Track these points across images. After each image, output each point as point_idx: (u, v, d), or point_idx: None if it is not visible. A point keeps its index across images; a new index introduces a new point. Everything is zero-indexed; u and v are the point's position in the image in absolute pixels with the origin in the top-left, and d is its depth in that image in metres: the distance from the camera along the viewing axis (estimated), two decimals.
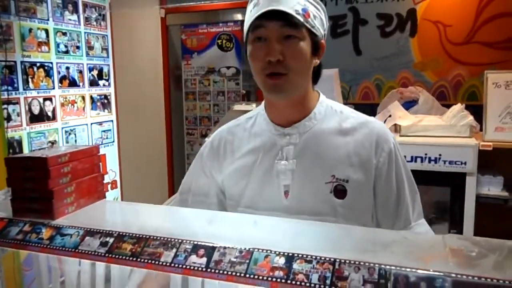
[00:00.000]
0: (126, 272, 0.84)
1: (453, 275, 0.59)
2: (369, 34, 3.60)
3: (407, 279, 0.60)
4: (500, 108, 2.23)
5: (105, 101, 3.33)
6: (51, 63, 2.83)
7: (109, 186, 3.36)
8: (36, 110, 2.71)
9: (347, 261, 0.64)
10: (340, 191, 1.02)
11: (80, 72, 3.08)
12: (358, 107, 1.39)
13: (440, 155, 2.13)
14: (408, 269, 0.61)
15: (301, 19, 0.98)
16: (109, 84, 3.37)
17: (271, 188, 1.07)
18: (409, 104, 2.79)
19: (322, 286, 0.62)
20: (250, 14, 1.02)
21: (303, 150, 1.06)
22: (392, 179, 1.06)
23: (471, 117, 2.30)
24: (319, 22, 1.04)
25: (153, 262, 0.72)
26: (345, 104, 1.23)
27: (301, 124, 1.07)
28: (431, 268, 0.61)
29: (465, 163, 2.09)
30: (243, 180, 1.10)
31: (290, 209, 1.04)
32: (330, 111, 1.10)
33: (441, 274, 0.59)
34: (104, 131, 3.33)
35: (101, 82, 3.29)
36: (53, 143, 2.81)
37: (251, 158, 1.10)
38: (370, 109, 2.38)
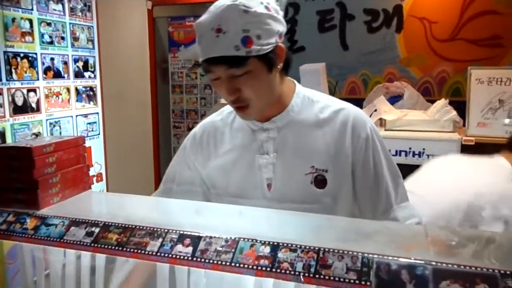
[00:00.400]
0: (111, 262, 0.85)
1: (434, 263, 0.60)
2: (356, 30, 3.63)
3: (389, 267, 0.61)
4: (482, 104, 2.27)
5: (91, 93, 3.29)
6: (35, 53, 2.78)
7: (94, 179, 3.33)
8: (19, 102, 2.67)
9: (331, 250, 0.65)
10: (320, 181, 1.04)
11: (65, 63, 3.03)
12: None
13: (424, 149, 2.17)
14: (390, 258, 0.62)
15: (244, 53, 0.92)
16: (94, 76, 3.33)
17: (254, 182, 1.08)
18: (394, 99, 2.84)
19: (306, 274, 0.63)
20: (198, 51, 1.00)
21: (282, 144, 1.07)
22: (369, 164, 1.06)
23: (454, 112, 2.35)
24: (267, 36, 0.95)
25: (139, 251, 0.72)
26: None
27: (278, 118, 1.08)
28: (413, 256, 0.62)
29: None
30: (226, 175, 1.11)
31: (273, 201, 1.05)
32: (307, 102, 1.11)
33: (422, 262, 0.61)
34: (89, 123, 3.29)
35: (86, 74, 3.24)
36: (37, 135, 2.77)
37: (233, 154, 1.12)
38: (357, 104, 2.36)
